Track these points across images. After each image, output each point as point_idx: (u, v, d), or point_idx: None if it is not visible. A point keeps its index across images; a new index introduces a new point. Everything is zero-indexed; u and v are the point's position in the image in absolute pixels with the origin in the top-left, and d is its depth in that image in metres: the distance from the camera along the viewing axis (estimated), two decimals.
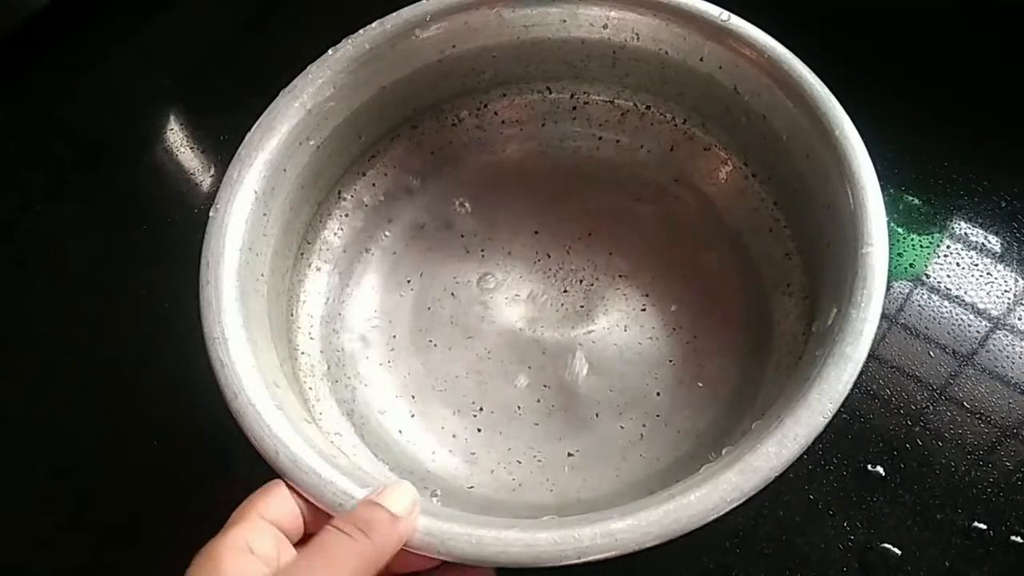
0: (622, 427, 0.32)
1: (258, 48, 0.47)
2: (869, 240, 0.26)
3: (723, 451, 0.24)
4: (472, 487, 0.31)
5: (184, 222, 0.40)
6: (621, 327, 0.34)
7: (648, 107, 0.36)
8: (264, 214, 0.30)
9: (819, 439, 0.32)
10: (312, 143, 0.32)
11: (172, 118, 0.44)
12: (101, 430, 0.35)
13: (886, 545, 0.31)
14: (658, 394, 0.32)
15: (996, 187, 0.39)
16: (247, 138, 0.31)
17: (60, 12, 0.47)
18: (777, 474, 0.23)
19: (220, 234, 0.29)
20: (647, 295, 0.34)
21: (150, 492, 0.34)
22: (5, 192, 0.43)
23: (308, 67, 0.32)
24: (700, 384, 0.32)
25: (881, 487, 0.32)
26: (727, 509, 0.22)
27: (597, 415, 0.32)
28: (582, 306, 0.34)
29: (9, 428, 0.36)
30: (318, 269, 0.35)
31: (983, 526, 0.31)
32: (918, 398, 0.34)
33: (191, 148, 0.43)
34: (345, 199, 0.36)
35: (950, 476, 0.32)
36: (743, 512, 0.31)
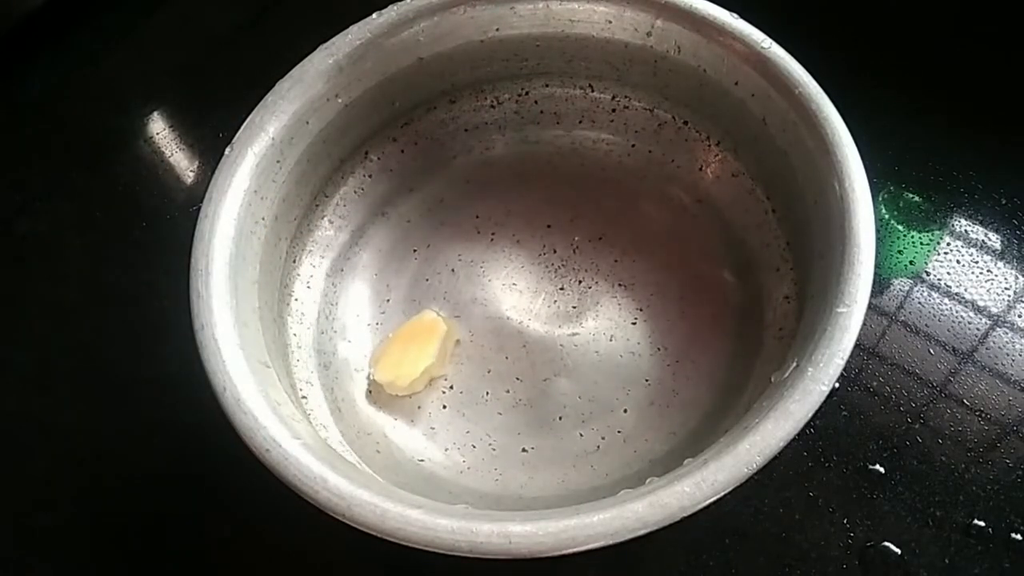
0: (581, 435, 0.32)
1: (256, 46, 0.47)
2: (847, 300, 0.25)
3: (647, 481, 0.24)
4: (422, 460, 0.31)
5: (183, 219, 0.40)
6: (607, 336, 0.34)
7: (686, 122, 0.36)
8: (278, 161, 0.31)
9: (819, 437, 0.33)
10: (341, 101, 0.33)
11: (170, 116, 0.44)
12: (101, 429, 0.36)
13: (886, 543, 0.31)
14: (625, 411, 0.32)
15: (996, 184, 0.38)
16: (276, 86, 0.32)
17: (57, 10, 0.47)
18: (687, 514, 0.23)
19: (229, 173, 0.30)
20: (641, 309, 0.34)
21: (150, 491, 0.34)
22: (4, 191, 0.43)
23: (350, 27, 0.33)
24: (669, 409, 0.32)
25: (881, 484, 0.32)
26: (627, 537, 0.22)
27: (560, 418, 0.32)
28: (574, 307, 0.34)
29: (9, 428, 0.36)
30: (331, 223, 0.36)
31: (983, 523, 0.31)
32: (918, 395, 0.33)
33: (190, 146, 0.43)
34: (371, 160, 0.37)
35: (950, 473, 0.32)
36: (743, 509, 0.31)
